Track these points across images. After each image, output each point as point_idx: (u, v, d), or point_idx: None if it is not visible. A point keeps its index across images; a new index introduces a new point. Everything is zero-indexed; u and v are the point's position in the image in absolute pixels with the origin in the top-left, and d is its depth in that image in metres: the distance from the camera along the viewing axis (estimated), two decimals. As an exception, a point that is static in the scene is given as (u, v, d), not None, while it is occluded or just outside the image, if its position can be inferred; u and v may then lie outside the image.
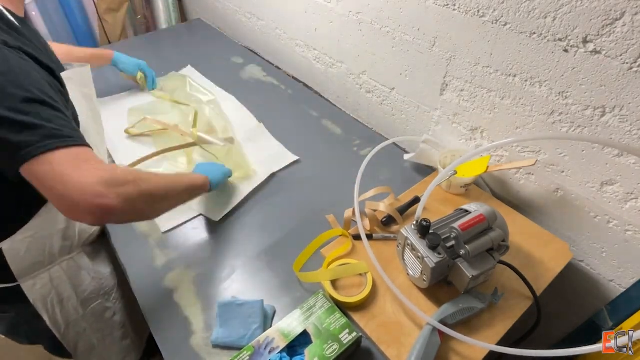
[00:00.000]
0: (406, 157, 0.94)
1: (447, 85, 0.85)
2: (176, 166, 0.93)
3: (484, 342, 0.58)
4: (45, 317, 0.73)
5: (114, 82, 1.25)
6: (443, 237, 0.61)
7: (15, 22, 0.57)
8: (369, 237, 0.75)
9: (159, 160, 0.94)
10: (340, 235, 0.77)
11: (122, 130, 1.04)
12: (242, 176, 0.91)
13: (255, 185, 0.89)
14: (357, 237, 0.76)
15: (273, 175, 0.93)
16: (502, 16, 0.68)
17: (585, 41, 0.60)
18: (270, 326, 0.64)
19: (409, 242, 0.63)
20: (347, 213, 0.78)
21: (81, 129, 0.60)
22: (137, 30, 1.81)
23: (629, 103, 0.59)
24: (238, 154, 0.92)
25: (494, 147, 0.78)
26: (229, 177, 0.86)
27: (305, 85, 1.29)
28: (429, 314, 0.61)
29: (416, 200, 0.82)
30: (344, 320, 0.59)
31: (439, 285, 0.67)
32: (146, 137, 1.03)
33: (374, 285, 0.67)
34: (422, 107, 0.94)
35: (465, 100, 0.83)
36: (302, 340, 0.58)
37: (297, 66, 1.31)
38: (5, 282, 0.66)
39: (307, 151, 0.99)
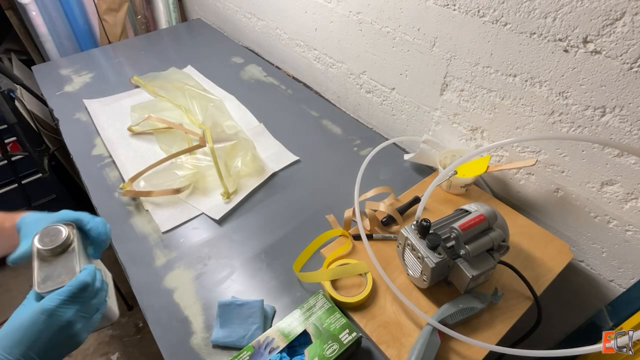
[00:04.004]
0: (406, 157, 0.94)
1: (447, 85, 0.85)
2: (179, 165, 0.92)
3: (484, 342, 0.58)
4: None
5: (114, 82, 1.25)
6: (443, 237, 0.61)
7: None
8: (369, 237, 0.75)
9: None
10: (340, 235, 0.77)
11: (124, 128, 1.04)
12: (255, 170, 0.92)
13: (259, 182, 0.90)
14: (357, 237, 0.76)
15: (273, 175, 0.93)
16: (502, 16, 0.68)
17: (585, 41, 0.60)
18: (270, 326, 0.64)
19: (409, 242, 0.63)
20: (347, 213, 0.78)
21: None
22: (137, 30, 1.81)
23: (629, 103, 0.59)
24: (253, 147, 0.93)
25: (494, 147, 0.78)
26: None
27: (305, 85, 1.29)
28: (429, 314, 0.61)
29: (416, 200, 0.82)
30: (344, 320, 0.59)
31: (439, 285, 0.67)
32: (149, 134, 1.03)
33: (374, 285, 0.67)
34: (422, 107, 0.94)
35: (465, 100, 0.83)
36: (302, 340, 0.58)
37: (297, 66, 1.31)
38: None
39: (307, 151, 0.99)
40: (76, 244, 0.48)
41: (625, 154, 0.64)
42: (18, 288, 1.63)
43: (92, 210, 0.85)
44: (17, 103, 1.35)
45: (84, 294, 0.43)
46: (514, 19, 0.67)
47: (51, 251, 0.46)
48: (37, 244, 0.46)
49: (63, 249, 0.47)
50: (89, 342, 1.46)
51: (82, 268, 0.45)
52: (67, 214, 0.51)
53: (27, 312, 0.41)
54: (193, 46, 1.49)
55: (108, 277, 0.55)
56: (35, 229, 0.48)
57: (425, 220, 0.61)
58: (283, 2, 1.20)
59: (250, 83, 1.27)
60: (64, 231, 0.47)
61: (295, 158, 0.97)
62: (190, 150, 0.94)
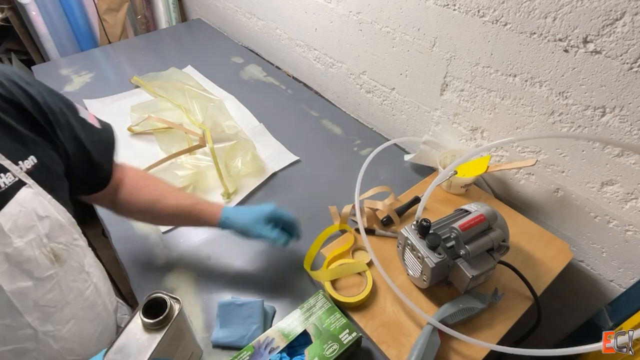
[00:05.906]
0: (406, 157, 0.94)
1: (447, 85, 0.85)
2: (179, 165, 0.92)
3: (484, 342, 0.58)
4: None
5: (114, 82, 1.25)
6: (443, 237, 0.61)
7: None
8: (370, 232, 0.75)
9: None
10: (343, 233, 0.77)
11: (124, 128, 1.04)
12: (255, 170, 0.92)
13: (259, 182, 0.90)
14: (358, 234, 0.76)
15: (273, 175, 0.93)
16: (502, 16, 0.68)
17: (585, 41, 0.60)
18: (270, 326, 0.64)
19: (409, 242, 0.63)
20: (346, 209, 0.77)
21: None
22: (137, 30, 1.81)
23: (629, 103, 0.59)
24: (253, 147, 0.93)
25: (494, 146, 0.78)
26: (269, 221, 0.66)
27: (305, 85, 1.29)
28: (429, 314, 0.61)
29: (416, 200, 0.82)
30: (344, 320, 0.59)
31: (439, 285, 0.67)
32: (149, 134, 1.03)
33: (374, 285, 0.67)
34: (422, 107, 0.94)
35: (465, 100, 0.83)
36: (302, 340, 0.58)
37: (297, 66, 1.31)
38: None
39: (307, 151, 0.99)
40: (168, 328, 0.45)
41: (626, 154, 0.64)
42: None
43: (92, 210, 0.85)
44: (17, 103, 1.35)
45: None
46: (514, 19, 0.67)
47: (143, 324, 0.45)
48: (139, 309, 0.45)
49: (155, 327, 0.45)
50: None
51: None
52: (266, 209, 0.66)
53: None
54: (193, 46, 1.49)
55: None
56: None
57: (425, 220, 0.61)
58: (283, 2, 1.20)
59: (250, 83, 1.27)
60: (166, 310, 0.45)
61: (295, 158, 0.97)
62: (190, 150, 0.94)
